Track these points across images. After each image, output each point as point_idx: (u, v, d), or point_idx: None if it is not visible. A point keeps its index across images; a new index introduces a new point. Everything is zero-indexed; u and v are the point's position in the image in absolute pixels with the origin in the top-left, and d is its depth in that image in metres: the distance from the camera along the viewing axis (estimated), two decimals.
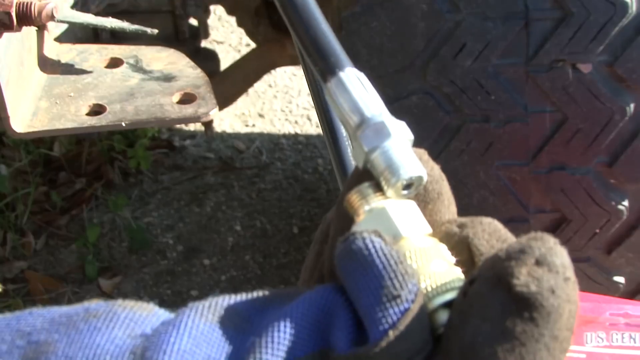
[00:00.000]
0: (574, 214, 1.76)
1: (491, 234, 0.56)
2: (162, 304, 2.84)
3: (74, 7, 1.92)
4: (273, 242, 3.02)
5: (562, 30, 1.64)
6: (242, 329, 0.52)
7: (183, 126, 3.51)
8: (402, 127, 0.58)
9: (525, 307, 0.47)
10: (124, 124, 1.78)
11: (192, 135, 3.51)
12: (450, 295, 0.52)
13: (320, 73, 0.61)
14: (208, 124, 1.92)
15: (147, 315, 0.53)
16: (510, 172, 1.75)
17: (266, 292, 0.55)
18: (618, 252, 1.80)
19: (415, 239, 0.54)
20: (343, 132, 0.89)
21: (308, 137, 3.47)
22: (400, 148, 0.57)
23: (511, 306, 0.47)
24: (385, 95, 1.75)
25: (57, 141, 3.28)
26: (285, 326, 0.51)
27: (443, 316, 0.52)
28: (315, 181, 3.27)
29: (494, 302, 0.48)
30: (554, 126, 1.70)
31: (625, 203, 1.74)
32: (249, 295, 0.55)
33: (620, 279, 1.84)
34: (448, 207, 0.60)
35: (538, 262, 0.49)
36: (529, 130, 1.71)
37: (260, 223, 3.09)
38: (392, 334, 0.49)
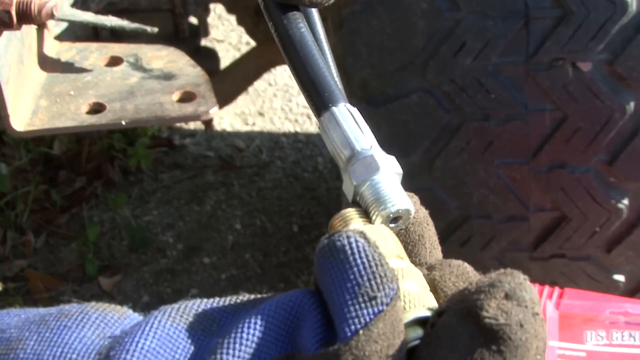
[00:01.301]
0: (574, 212, 1.76)
1: (458, 277, 0.56)
2: (162, 302, 2.84)
3: (74, 5, 1.92)
4: (273, 241, 3.02)
5: (562, 29, 1.64)
6: (209, 331, 0.52)
7: (183, 125, 3.51)
8: (391, 162, 0.60)
9: (493, 340, 0.47)
10: (123, 123, 1.78)
11: (192, 133, 3.51)
12: (420, 314, 0.52)
13: (314, 108, 0.62)
14: (208, 123, 1.92)
15: (118, 317, 0.54)
16: (510, 170, 1.75)
17: (240, 297, 0.55)
18: (618, 251, 1.81)
19: (391, 259, 0.54)
20: None
21: (308, 136, 3.47)
22: (389, 182, 0.58)
23: (479, 338, 0.47)
24: (385, 93, 1.75)
25: (57, 140, 3.28)
26: (250, 328, 0.51)
27: (413, 333, 0.51)
28: (315, 180, 3.27)
29: (463, 334, 0.48)
30: (554, 125, 1.70)
31: (625, 201, 1.74)
32: (222, 300, 0.54)
33: (620, 278, 1.84)
34: (430, 251, 0.60)
35: (507, 296, 0.48)
36: (529, 128, 1.71)
37: (260, 221, 3.09)
38: (363, 334, 0.48)
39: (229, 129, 3.54)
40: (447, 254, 2.01)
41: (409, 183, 1.81)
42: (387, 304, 0.49)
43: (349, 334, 0.49)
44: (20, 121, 1.75)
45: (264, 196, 3.20)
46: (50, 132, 1.84)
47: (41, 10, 1.67)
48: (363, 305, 0.49)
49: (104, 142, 3.32)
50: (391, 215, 0.57)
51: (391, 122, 1.76)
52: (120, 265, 2.97)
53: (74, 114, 1.80)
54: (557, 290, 1.59)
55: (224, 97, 2.68)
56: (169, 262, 2.97)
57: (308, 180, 3.27)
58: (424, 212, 0.59)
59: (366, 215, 0.57)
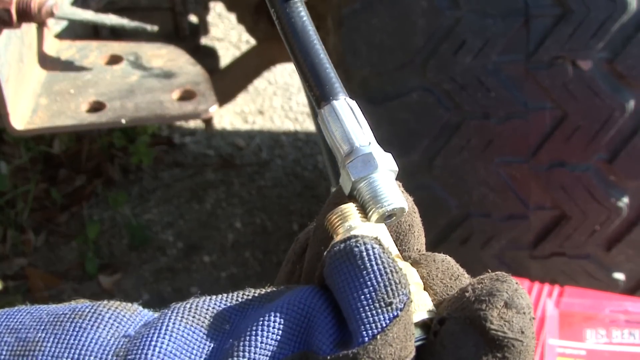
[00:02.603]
0: (574, 210, 1.76)
1: (444, 272, 0.57)
2: (163, 300, 2.84)
3: (74, 4, 1.92)
4: (273, 239, 3.02)
5: (562, 27, 1.64)
6: (221, 331, 0.54)
7: (183, 123, 3.51)
8: (388, 159, 0.61)
9: (498, 348, 0.50)
10: (123, 121, 1.78)
11: (192, 132, 3.51)
12: (422, 317, 0.53)
13: (315, 99, 0.63)
14: (208, 121, 1.92)
15: (130, 315, 0.55)
16: (510, 169, 1.75)
17: (246, 292, 0.56)
18: (618, 249, 1.80)
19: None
20: None
21: (308, 134, 3.47)
22: (385, 180, 0.60)
23: (485, 347, 0.50)
24: (385, 92, 1.75)
25: (57, 138, 3.28)
26: (264, 329, 0.52)
27: (416, 334, 0.53)
28: (315, 178, 3.27)
29: (468, 344, 0.50)
30: (554, 123, 1.70)
31: (625, 200, 1.74)
32: (229, 296, 0.56)
33: (620, 276, 1.84)
34: (418, 238, 0.62)
35: (507, 305, 0.51)
36: (529, 127, 1.71)
37: (260, 220, 3.09)
38: (380, 338, 0.50)
39: (229, 127, 3.54)
40: (447, 253, 2.00)
41: (409, 181, 1.81)
42: (401, 309, 0.51)
43: (367, 338, 0.51)
44: (20, 120, 1.75)
45: (264, 194, 3.20)
46: (50, 131, 1.84)
47: (41, 9, 1.67)
48: (380, 310, 0.51)
49: (104, 141, 3.32)
50: (387, 213, 0.58)
51: (391, 121, 1.76)
52: (120, 263, 2.97)
53: (74, 113, 1.80)
54: (557, 288, 1.59)
55: (224, 96, 2.68)
56: (169, 260, 2.97)
57: (308, 179, 3.27)
58: (411, 201, 0.61)
59: (363, 211, 0.58)
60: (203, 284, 2.88)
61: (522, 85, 1.68)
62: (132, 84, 1.87)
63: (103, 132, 3.33)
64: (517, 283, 0.53)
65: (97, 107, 1.82)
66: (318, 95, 0.62)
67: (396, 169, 0.61)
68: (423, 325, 0.53)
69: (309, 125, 3.52)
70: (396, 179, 0.62)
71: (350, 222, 0.57)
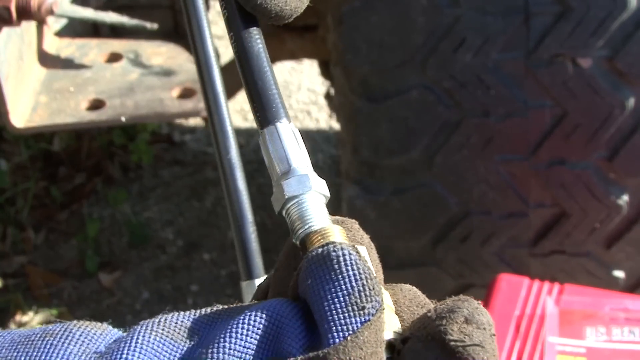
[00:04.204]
0: (574, 208, 1.76)
1: (411, 300, 0.59)
2: (162, 298, 2.85)
3: (73, 2, 1.92)
4: (273, 237, 3.02)
5: (562, 25, 1.64)
6: (191, 342, 0.55)
7: (183, 121, 3.51)
8: (322, 184, 0.64)
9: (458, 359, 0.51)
10: (123, 119, 1.78)
11: (192, 130, 3.51)
12: (387, 336, 0.54)
13: (259, 120, 0.66)
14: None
15: (101, 333, 0.56)
16: (510, 166, 1.75)
17: (215, 307, 0.57)
18: (618, 247, 1.81)
19: None
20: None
21: (308, 132, 3.47)
22: (316, 202, 0.62)
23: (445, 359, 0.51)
24: (385, 90, 1.75)
25: (57, 136, 3.28)
26: (232, 336, 0.53)
27: None
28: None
29: (429, 358, 0.52)
30: (553, 121, 1.70)
31: (625, 198, 1.74)
32: (198, 311, 0.57)
33: (620, 274, 1.84)
34: (377, 273, 0.63)
35: (467, 321, 0.52)
36: (529, 125, 1.71)
37: (260, 218, 3.09)
38: (350, 340, 0.51)
39: None
40: (447, 251, 2.00)
41: (409, 179, 1.81)
42: (373, 314, 0.52)
43: (337, 339, 0.52)
44: (20, 118, 1.75)
45: (264, 192, 3.20)
46: (50, 129, 1.84)
47: (41, 7, 1.67)
48: (352, 314, 0.52)
49: (103, 139, 3.32)
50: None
51: (391, 118, 1.76)
52: (120, 261, 2.97)
53: (73, 111, 1.80)
54: (557, 286, 1.59)
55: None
56: (168, 258, 2.97)
57: None
58: (367, 237, 0.62)
59: (345, 234, 0.60)
60: (203, 282, 2.89)
61: (522, 83, 1.68)
62: (132, 81, 1.87)
63: (103, 130, 3.33)
64: (479, 303, 0.54)
65: (96, 105, 1.82)
66: (262, 117, 0.65)
67: (328, 195, 0.64)
68: (389, 345, 0.54)
69: (309, 124, 3.52)
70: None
71: (332, 240, 0.58)
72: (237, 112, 3.58)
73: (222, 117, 0.89)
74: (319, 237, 0.58)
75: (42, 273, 2.91)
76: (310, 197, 0.62)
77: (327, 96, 3.10)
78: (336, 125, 3.35)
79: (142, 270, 2.94)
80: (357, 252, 0.55)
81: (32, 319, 2.78)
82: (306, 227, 0.60)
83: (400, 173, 1.80)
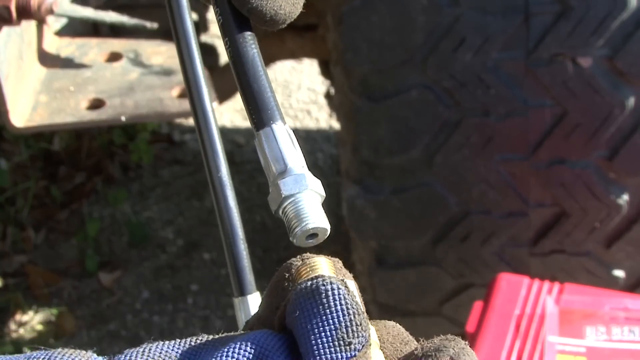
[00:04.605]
0: (574, 208, 1.76)
1: (395, 337, 0.59)
2: (162, 298, 2.85)
3: (73, 1, 1.92)
4: (273, 237, 3.02)
5: (562, 24, 1.64)
6: None
7: (183, 120, 3.51)
8: (318, 184, 0.65)
9: None
10: (123, 119, 1.78)
11: (192, 129, 3.50)
12: None
13: (254, 122, 0.67)
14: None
15: None
16: (510, 166, 1.75)
17: (200, 338, 0.57)
18: (618, 246, 1.81)
19: None
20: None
21: (308, 132, 3.47)
22: (312, 201, 0.63)
23: None
24: (385, 89, 1.75)
25: (57, 135, 3.28)
26: None
27: None
28: (315, 176, 3.27)
29: None
30: (553, 120, 1.70)
31: (625, 197, 1.74)
32: (182, 341, 0.57)
33: (620, 273, 1.84)
34: None
35: None
36: (529, 124, 1.71)
37: (260, 217, 3.09)
38: None
39: (228, 124, 3.54)
40: (447, 250, 2.01)
41: (409, 179, 1.81)
42: (359, 350, 0.53)
43: None
44: (20, 117, 1.75)
45: (264, 192, 3.20)
46: (50, 128, 1.84)
47: (41, 6, 1.67)
48: (338, 349, 0.53)
49: (103, 138, 3.32)
50: (310, 231, 0.61)
51: (391, 118, 1.76)
52: (120, 261, 2.97)
53: (73, 110, 1.80)
54: (557, 285, 1.59)
55: (224, 93, 2.68)
56: (169, 257, 2.97)
57: None
58: (350, 275, 0.63)
59: (333, 266, 0.60)
60: (203, 282, 2.89)
61: (522, 82, 1.68)
62: (132, 81, 1.87)
63: (103, 130, 3.33)
64: (465, 343, 0.55)
65: (96, 104, 1.82)
66: (258, 119, 0.66)
67: (324, 194, 0.65)
68: None
69: (309, 123, 3.52)
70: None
71: (320, 274, 0.59)
72: (237, 111, 3.58)
73: (212, 135, 0.91)
74: (308, 269, 0.58)
75: (42, 272, 2.91)
76: (306, 196, 0.63)
77: (327, 95, 3.10)
78: (336, 125, 3.35)
79: (142, 269, 2.94)
80: (346, 286, 0.55)
81: (32, 319, 2.78)
82: (303, 225, 0.61)
83: (400, 172, 1.80)
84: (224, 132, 3.49)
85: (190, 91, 0.93)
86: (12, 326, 2.76)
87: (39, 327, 2.76)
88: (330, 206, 3.06)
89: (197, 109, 0.92)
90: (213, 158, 0.92)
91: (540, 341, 1.49)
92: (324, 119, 3.54)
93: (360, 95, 1.76)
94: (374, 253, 1.90)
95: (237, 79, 0.69)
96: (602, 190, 1.74)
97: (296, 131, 3.46)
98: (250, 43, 0.70)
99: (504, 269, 1.79)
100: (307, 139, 3.44)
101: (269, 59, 2.81)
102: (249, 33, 0.70)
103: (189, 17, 0.91)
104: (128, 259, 2.97)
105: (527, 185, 1.76)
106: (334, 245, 2.96)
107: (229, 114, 3.56)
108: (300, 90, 3.70)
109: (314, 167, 3.31)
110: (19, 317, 2.78)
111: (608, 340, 1.49)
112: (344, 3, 1.73)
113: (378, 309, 2.04)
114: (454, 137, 1.74)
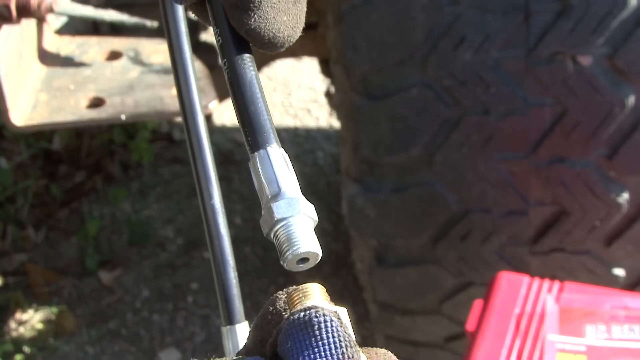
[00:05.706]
0: (574, 206, 1.76)
1: None
2: (162, 296, 2.85)
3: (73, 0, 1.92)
4: None
5: (562, 23, 1.64)
6: None
7: None
8: (310, 209, 0.64)
9: None
10: (123, 117, 1.78)
11: None
12: None
13: (250, 144, 0.67)
14: (207, 117, 1.92)
15: None
16: (510, 164, 1.75)
17: None
18: (618, 245, 1.81)
19: None
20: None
21: (308, 130, 3.47)
22: (304, 225, 0.62)
23: None
24: (385, 88, 1.75)
25: (57, 134, 3.28)
26: None
27: None
28: (315, 174, 3.27)
29: None
30: (553, 119, 1.70)
31: (625, 195, 1.74)
32: None
33: (620, 272, 1.84)
34: None
35: None
36: (529, 123, 1.71)
37: (260, 216, 3.09)
38: None
39: (228, 123, 3.54)
40: (447, 249, 2.01)
41: (409, 177, 1.81)
42: None
43: None
44: (20, 116, 1.75)
45: None
46: (50, 127, 1.84)
47: (41, 5, 1.67)
48: None
49: (103, 137, 3.32)
50: (301, 255, 0.61)
51: (391, 117, 1.76)
52: (120, 259, 2.97)
53: (73, 109, 1.80)
54: (557, 284, 1.59)
55: (224, 92, 2.67)
56: (169, 256, 2.97)
57: (308, 175, 3.27)
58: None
59: (325, 293, 0.60)
60: (203, 280, 2.89)
61: (522, 81, 1.68)
62: (132, 80, 1.87)
63: (103, 128, 3.33)
64: None
65: (96, 103, 1.82)
66: (253, 141, 0.67)
67: (317, 219, 0.64)
68: None
69: (309, 122, 3.52)
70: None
71: (312, 302, 0.59)
72: None
73: (206, 163, 0.90)
74: (300, 295, 0.58)
75: (42, 271, 2.91)
76: (299, 220, 0.62)
77: (327, 94, 3.10)
78: (336, 123, 3.35)
79: (142, 268, 2.94)
80: (339, 317, 0.55)
81: (32, 317, 2.78)
82: (294, 249, 0.60)
83: (400, 171, 1.80)
84: (224, 130, 3.49)
85: (185, 117, 0.92)
86: (12, 325, 2.76)
87: (39, 326, 2.76)
88: (331, 205, 3.06)
89: (192, 135, 0.92)
90: (206, 185, 0.92)
91: (541, 340, 1.49)
92: (324, 117, 3.54)
93: (361, 94, 1.76)
94: (374, 251, 1.90)
95: (234, 101, 0.69)
96: (602, 189, 1.74)
97: (296, 130, 3.46)
98: (249, 65, 0.70)
99: (504, 267, 1.79)
100: (307, 137, 3.44)
101: (269, 58, 2.81)
102: (247, 55, 0.70)
103: (184, 21, 0.89)
104: (128, 257, 2.97)
105: (527, 183, 1.76)
106: (334, 243, 2.96)
107: (229, 112, 3.56)
108: (300, 89, 3.70)
109: (314, 165, 3.31)
110: (19, 315, 2.78)
111: (608, 339, 1.49)
112: (344, 2, 1.73)
113: (378, 308, 2.05)
114: (454, 135, 1.74)
